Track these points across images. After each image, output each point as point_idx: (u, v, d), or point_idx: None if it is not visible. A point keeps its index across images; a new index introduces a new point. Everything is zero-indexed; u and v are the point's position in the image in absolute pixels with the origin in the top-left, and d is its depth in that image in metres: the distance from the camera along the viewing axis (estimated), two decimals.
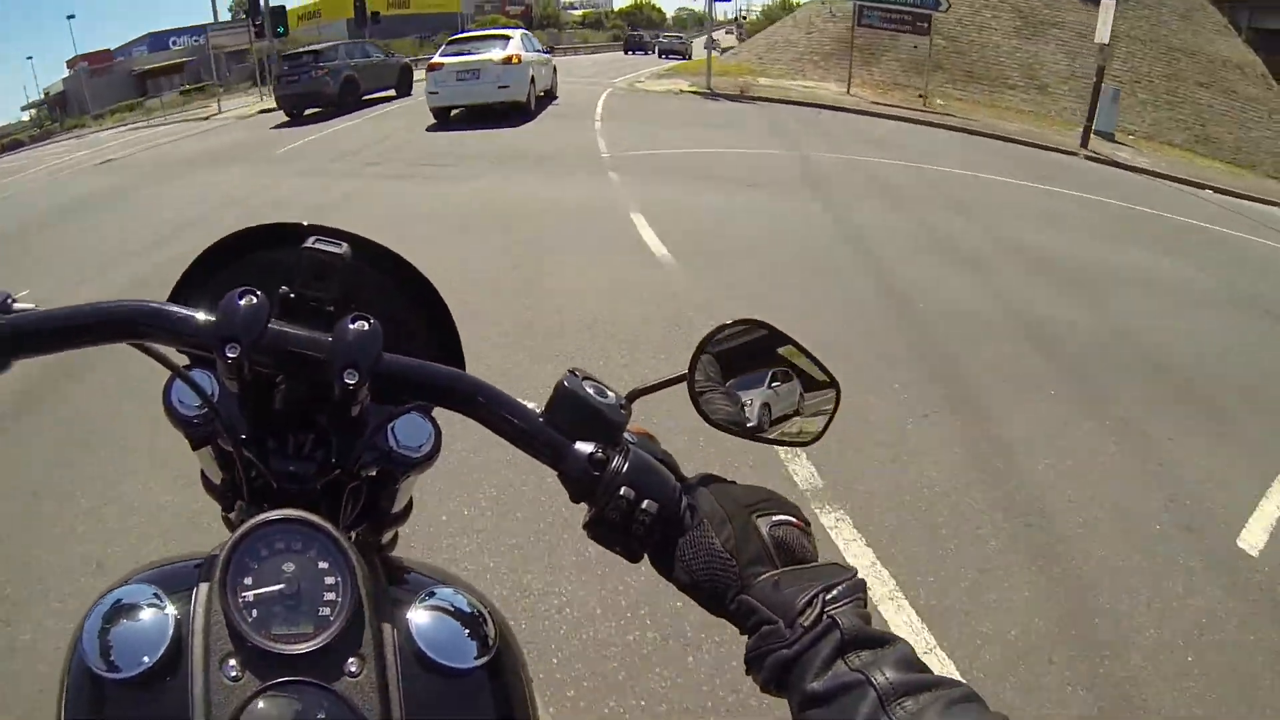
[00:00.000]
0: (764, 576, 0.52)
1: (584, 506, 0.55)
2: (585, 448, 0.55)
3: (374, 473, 0.65)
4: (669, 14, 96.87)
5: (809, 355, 0.63)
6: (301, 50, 17.10)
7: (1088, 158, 12.31)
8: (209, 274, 0.70)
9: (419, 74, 16.70)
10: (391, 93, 17.67)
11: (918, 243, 6.30)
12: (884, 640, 0.47)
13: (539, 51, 14.22)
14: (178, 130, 16.95)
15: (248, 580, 0.48)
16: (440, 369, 0.60)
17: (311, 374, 0.56)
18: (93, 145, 16.96)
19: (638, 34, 50.29)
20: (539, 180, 7.99)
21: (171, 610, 0.49)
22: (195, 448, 0.66)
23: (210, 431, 0.62)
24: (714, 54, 18.22)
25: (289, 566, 0.49)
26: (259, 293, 0.55)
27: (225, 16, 33.88)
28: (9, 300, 0.55)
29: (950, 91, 17.50)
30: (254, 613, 0.47)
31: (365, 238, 0.68)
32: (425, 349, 0.68)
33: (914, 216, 7.13)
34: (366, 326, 0.55)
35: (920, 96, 16.57)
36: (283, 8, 22.16)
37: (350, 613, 0.48)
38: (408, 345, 0.59)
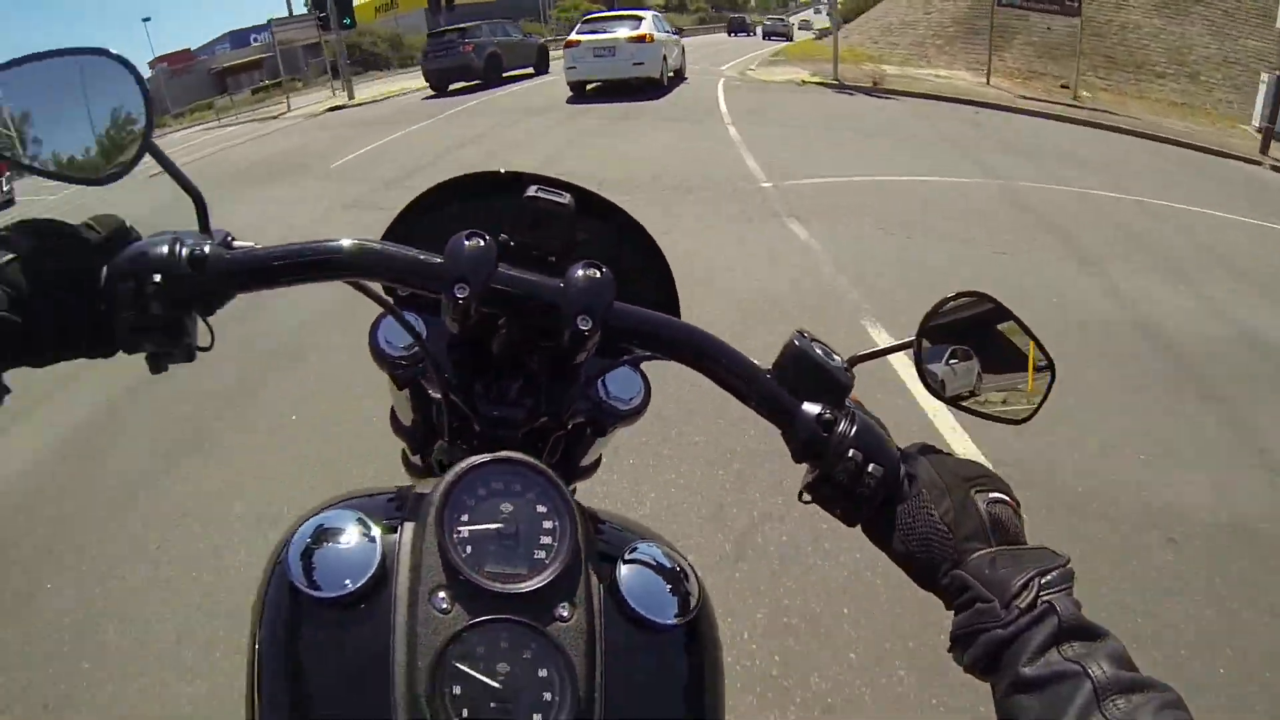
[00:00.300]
0: (980, 553, 0.51)
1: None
2: (813, 408, 0.55)
3: (579, 422, 0.66)
4: None
5: (1031, 335, 0.63)
6: (446, 29, 17.79)
7: (1274, 167, 10.74)
8: (420, 218, 0.72)
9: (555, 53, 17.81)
10: (530, 70, 18.41)
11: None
12: (1099, 633, 0.46)
13: (669, 32, 14.74)
14: (242, 132, 15.98)
15: (464, 516, 0.49)
16: (673, 321, 0.59)
17: (539, 319, 0.56)
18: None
19: (740, 16, 51.42)
20: (694, 234, 5.54)
21: (379, 538, 0.50)
22: (400, 388, 0.68)
23: (416, 373, 0.64)
24: (813, 37, 17.78)
25: (506, 507, 0.50)
26: (487, 236, 0.55)
27: (300, 10, 32.06)
28: (229, 238, 0.55)
29: (1094, 81, 15.56)
30: (468, 549, 0.48)
31: (586, 188, 0.68)
32: (644, 301, 0.65)
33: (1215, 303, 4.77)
34: (599, 274, 0.55)
35: (1063, 87, 14.97)
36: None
37: (567, 558, 0.48)
38: (626, 296, 0.57)
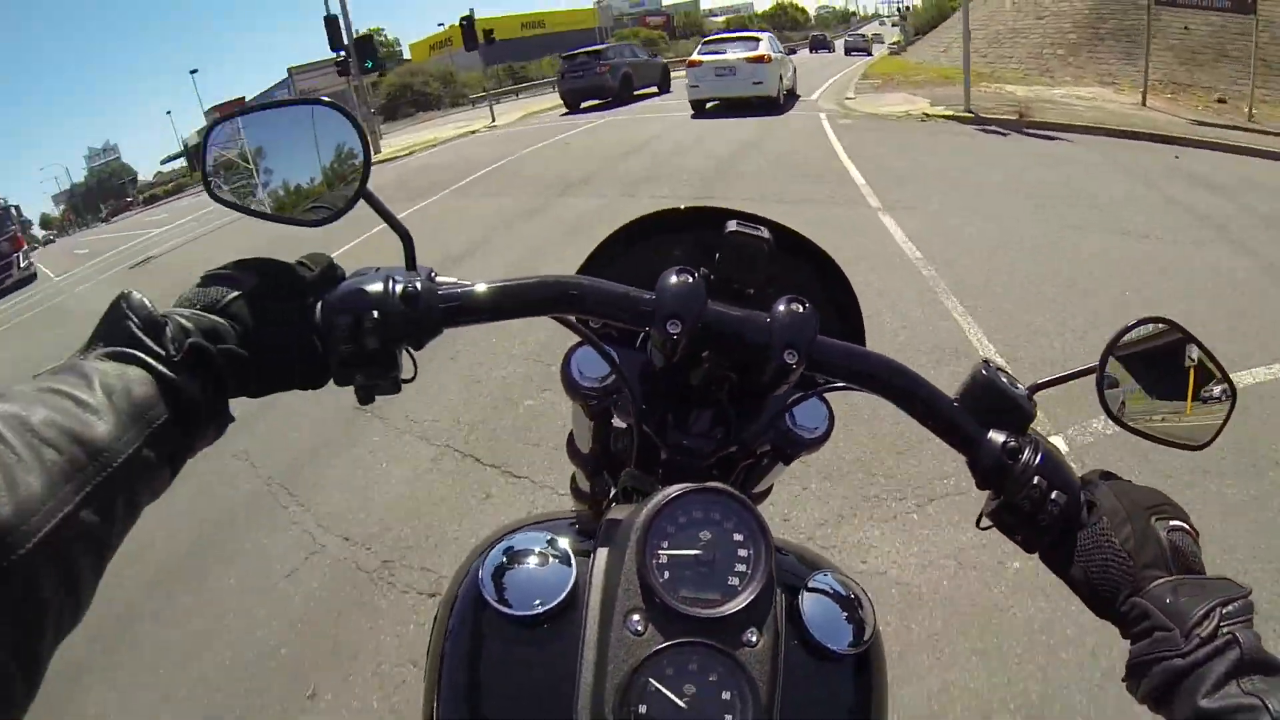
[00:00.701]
0: (1160, 582, 0.51)
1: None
2: (998, 436, 0.56)
3: (765, 450, 0.69)
4: (811, 12, 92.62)
5: (1212, 358, 0.63)
6: (580, 50, 19.50)
7: None
8: (618, 251, 0.73)
9: (677, 73, 19.24)
10: (655, 89, 20.06)
11: None
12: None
13: (782, 52, 15.22)
14: None
15: (664, 543, 0.50)
16: (870, 354, 0.61)
17: (744, 353, 0.57)
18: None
19: (821, 34, 53.49)
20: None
21: (573, 561, 0.52)
22: (592, 418, 0.71)
23: (609, 404, 0.68)
24: (888, 51, 17.06)
25: (705, 535, 0.51)
26: (695, 272, 0.57)
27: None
28: (433, 274, 0.57)
29: (1255, 94, 11.73)
30: (666, 574, 0.49)
31: (779, 223, 0.69)
32: (833, 330, 0.68)
33: None
34: (802, 309, 0.57)
35: (1219, 101, 12.54)
36: (370, 38, 19.08)
37: (760, 585, 0.49)
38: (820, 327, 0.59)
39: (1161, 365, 0.63)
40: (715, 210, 0.68)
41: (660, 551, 0.50)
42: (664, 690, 0.46)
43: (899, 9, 48.96)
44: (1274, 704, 0.42)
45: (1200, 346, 0.63)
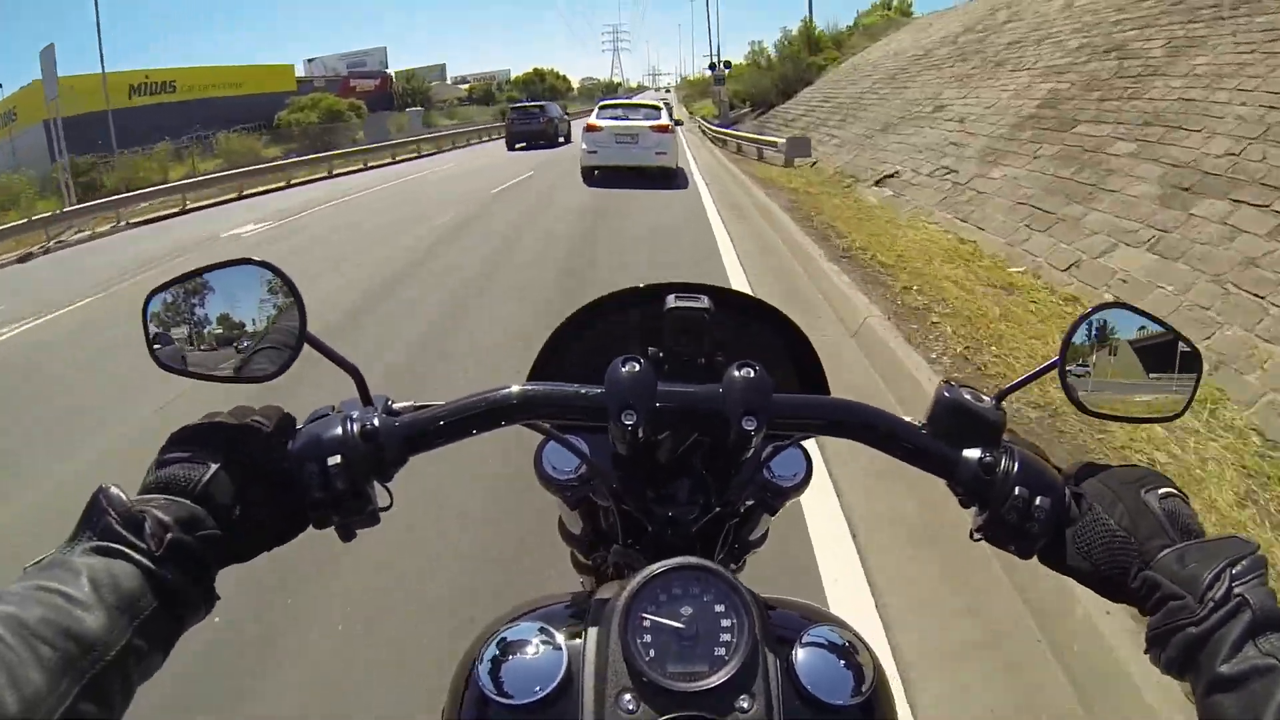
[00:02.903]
0: (1167, 551, 0.50)
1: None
2: (973, 454, 0.57)
3: (750, 505, 0.70)
4: (575, 82, 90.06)
5: (1170, 330, 0.63)
6: (523, 104, 26.04)
7: None
8: (568, 346, 0.74)
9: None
10: (562, 140, 23.66)
11: None
12: None
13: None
14: None
15: (646, 622, 0.51)
16: (829, 401, 0.62)
17: (702, 428, 0.60)
18: None
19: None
20: None
21: (563, 645, 0.52)
22: (573, 508, 0.73)
23: (586, 491, 0.69)
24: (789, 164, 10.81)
25: (686, 609, 0.52)
26: (641, 359, 0.58)
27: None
28: (389, 403, 0.59)
29: None
30: (652, 652, 0.50)
31: (719, 286, 0.70)
32: (792, 381, 0.71)
33: None
34: (753, 373, 0.57)
35: None
36: None
37: (746, 653, 0.50)
38: (777, 381, 0.59)
39: (1122, 348, 0.64)
40: (654, 287, 0.69)
41: (644, 633, 0.51)
42: None
43: (713, 64, 33.06)
44: None
45: (1156, 320, 0.63)
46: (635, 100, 16.36)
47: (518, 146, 22.14)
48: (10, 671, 0.38)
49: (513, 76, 72.56)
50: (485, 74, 73.38)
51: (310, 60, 50.71)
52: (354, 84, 42.80)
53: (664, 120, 12.76)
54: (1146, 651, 0.51)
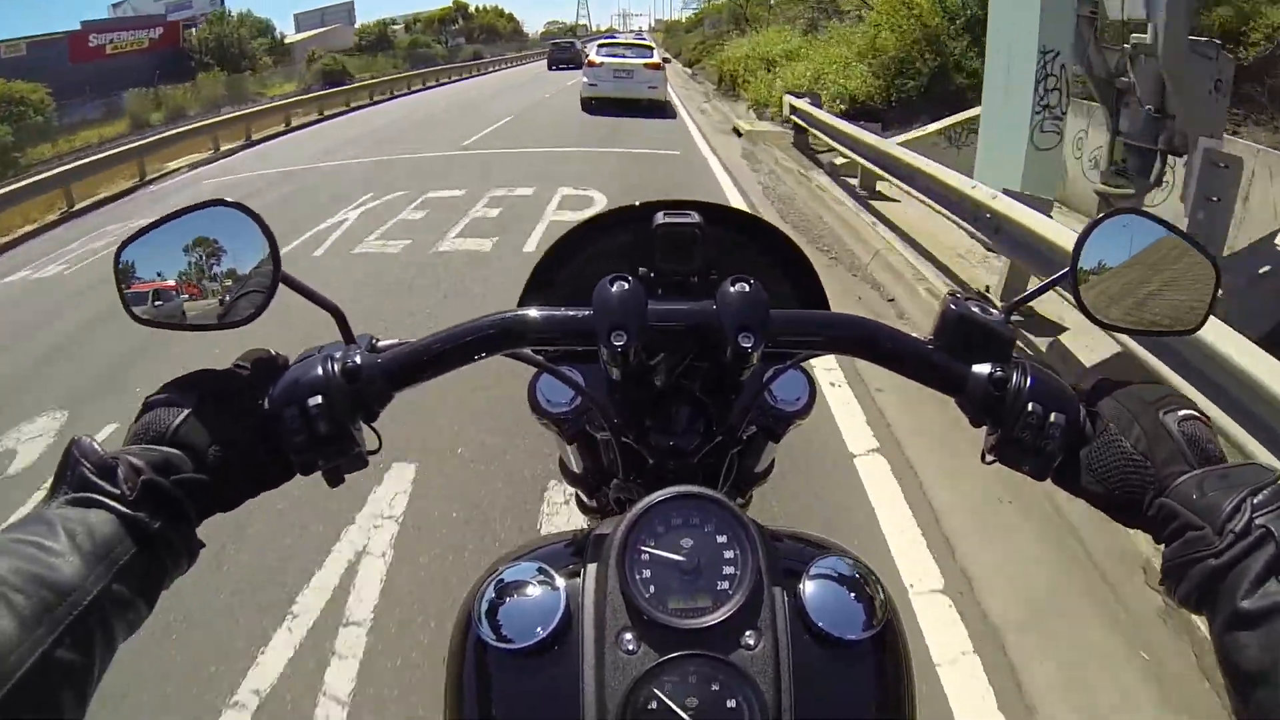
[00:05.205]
0: (1184, 478, 0.48)
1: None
2: (983, 369, 0.54)
3: (753, 432, 0.68)
4: (533, 29, 77.96)
5: (1186, 238, 0.60)
6: (559, 40, 37.06)
7: None
8: (557, 270, 0.71)
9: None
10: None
11: None
12: None
13: None
14: None
15: (644, 556, 0.49)
16: (832, 315, 0.59)
17: (697, 346, 0.57)
18: None
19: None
20: None
21: (561, 585, 0.51)
22: (570, 441, 0.71)
23: (582, 423, 0.68)
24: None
25: (686, 541, 0.50)
26: (630, 277, 0.55)
27: None
28: (374, 341, 0.57)
29: None
30: (651, 588, 0.48)
31: (710, 203, 0.68)
32: (789, 298, 0.68)
33: None
34: (748, 287, 0.55)
35: None
36: None
37: (750, 586, 0.48)
38: (773, 298, 0.57)
39: (1136, 257, 0.61)
40: (643, 206, 0.67)
41: (643, 567, 0.49)
42: (664, 707, 0.45)
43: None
44: None
45: (1173, 229, 0.61)
46: (631, 41, 18.29)
47: (558, 67, 28.40)
48: None
49: (426, 12, 54.27)
50: (407, 15, 54.19)
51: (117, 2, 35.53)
52: (105, 41, 27.64)
53: (656, 58, 14.43)
54: (1161, 583, 0.49)
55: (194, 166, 11.51)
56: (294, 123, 15.34)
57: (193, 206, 0.56)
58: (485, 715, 0.51)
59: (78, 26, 28.54)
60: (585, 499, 0.81)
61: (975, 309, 0.57)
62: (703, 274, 0.63)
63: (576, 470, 0.78)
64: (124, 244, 0.57)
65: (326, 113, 16.87)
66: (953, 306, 0.57)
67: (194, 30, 30.48)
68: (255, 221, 0.56)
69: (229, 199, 0.57)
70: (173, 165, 11.59)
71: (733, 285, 0.55)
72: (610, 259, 0.65)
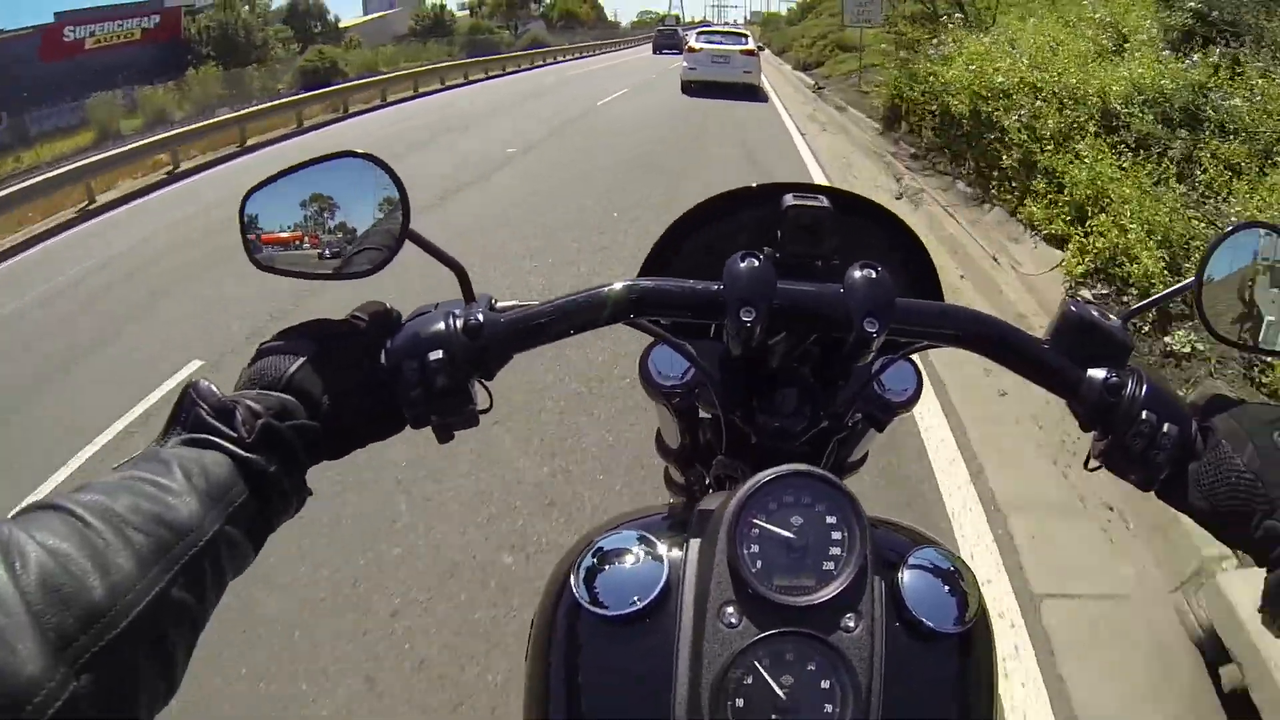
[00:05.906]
0: None
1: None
2: (1098, 373, 0.54)
3: (857, 419, 0.67)
4: (624, 19, 74.43)
5: None
6: (664, 28, 40.08)
7: None
8: (679, 245, 0.72)
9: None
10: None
11: None
12: None
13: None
14: None
15: (755, 531, 0.49)
16: (954, 309, 0.59)
17: (822, 328, 0.57)
18: None
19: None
20: None
21: (665, 556, 0.51)
22: (678, 415, 0.71)
23: (692, 398, 0.68)
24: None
25: (796, 519, 0.50)
26: (760, 254, 0.55)
27: None
28: (493, 301, 0.57)
29: None
30: (759, 563, 0.48)
31: (833, 188, 0.68)
32: (908, 289, 0.66)
33: None
34: (875, 274, 0.55)
35: None
36: None
37: (855, 569, 0.48)
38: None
39: (1264, 272, 0.59)
40: (770, 187, 0.67)
41: (751, 540, 0.49)
42: (760, 683, 0.45)
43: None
44: None
45: None
46: (727, 29, 20.04)
47: (663, 51, 31.36)
48: (99, 556, 0.37)
49: None
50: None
51: None
52: (85, 35, 23.42)
53: (750, 45, 15.61)
54: (1261, 609, 0.48)
55: (143, 193, 8.71)
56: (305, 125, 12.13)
57: (321, 157, 0.57)
58: (572, 679, 0.52)
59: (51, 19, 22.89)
60: (676, 476, 0.81)
61: (1095, 313, 0.56)
62: (828, 259, 0.62)
63: (673, 447, 0.78)
64: (251, 190, 0.57)
65: (339, 113, 13.84)
66: (1072, 309, 0.56)
67: (200, 17, 25.42)
68: (388, 174, 0.56)
69: (360, 150, 0.57)
70: (129, 187, 8.90)
71: (860, 270, 0.55)
72: (732, 238, 0.65)
